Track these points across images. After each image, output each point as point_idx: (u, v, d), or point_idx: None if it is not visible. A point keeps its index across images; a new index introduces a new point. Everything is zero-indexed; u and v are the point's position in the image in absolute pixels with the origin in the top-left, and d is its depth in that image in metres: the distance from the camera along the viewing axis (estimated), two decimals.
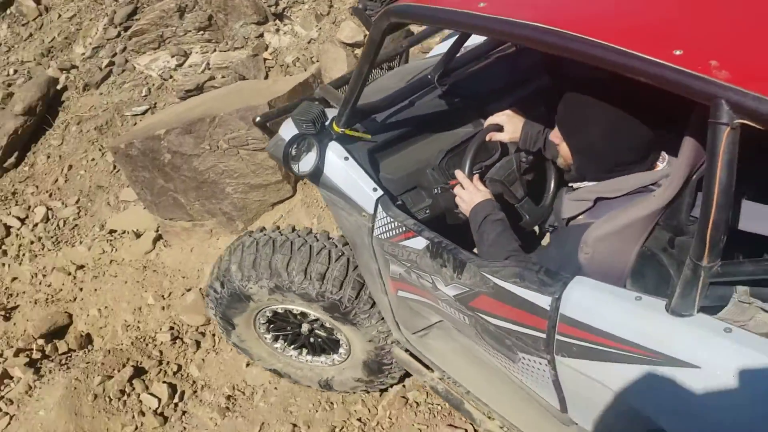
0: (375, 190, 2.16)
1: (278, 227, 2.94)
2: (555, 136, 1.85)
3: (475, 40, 2.63)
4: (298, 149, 2.21)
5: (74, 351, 3.97)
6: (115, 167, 5.03)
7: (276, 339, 3.11)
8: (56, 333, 4.09)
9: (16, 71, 6.04)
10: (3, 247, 4.81)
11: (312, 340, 3.06)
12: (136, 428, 3.35)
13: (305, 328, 2.99)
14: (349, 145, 2.26)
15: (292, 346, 3.13)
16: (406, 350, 2.74)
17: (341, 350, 2.96)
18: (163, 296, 4.10)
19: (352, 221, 2.30)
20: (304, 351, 3.13)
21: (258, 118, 2.59)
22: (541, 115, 2.19)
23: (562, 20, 1.41)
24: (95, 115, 5.43)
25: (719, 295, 1.39)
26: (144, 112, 5.28)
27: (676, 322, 1.39)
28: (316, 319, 2.87)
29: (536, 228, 2.33)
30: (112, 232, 4.68)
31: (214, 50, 5.20)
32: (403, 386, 3.22)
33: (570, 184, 1.90)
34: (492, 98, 2.50)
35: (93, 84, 5.60)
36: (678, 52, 1.22)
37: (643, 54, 1.25)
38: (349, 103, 2.12)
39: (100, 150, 5.23)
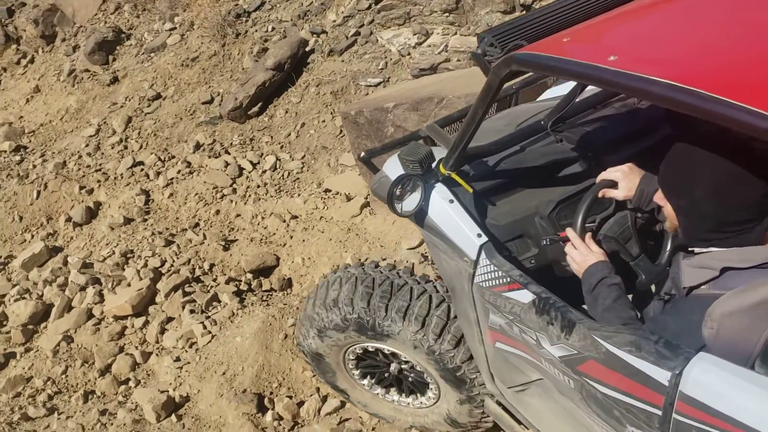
0: (479, 236, 2.08)
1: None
2: (659, 198, 1.72)
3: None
4: (402, 189, 2.19)
5: (275, 291, 4.31)
6: (341, 132, 5.33)
7: (387, 392, 3.12)
8: (263, 271, 4.47)
9: (273, 29, 6.61)
10: (234, 185, 5.33)
11: (411, 379, 3.01)
12: (314, 375, 3.56)
13: (393, 368, 2.97)
14: (455, 188, 2.19)
15: (406, 396, 3.10)
16: (500, 404, 2.61)
17: (424, 374, 2.87)
18: (360, 259, 4.28)
19: (453, 265, 2.22)
20: (420, 397, 3.06)
21: (363, 154, 2.62)
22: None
23: (708, 81, 1.25)
24: (333, 80, 5.78)
25: None
26: (377, 84, 5.51)
27: None
28: (386, 355, 2.90)
29: (652, 287, 2.09)
30: (327, 191, 4.98)
31: (455, 33, 5.27)
32: None
33: (690, 249, 1.70)
34: (608, 149, 2.32)
35: (337, 51, 5.95)
36: None
37: None
38: (458, 147, 2.06)
39: (331, 114, 5.57)
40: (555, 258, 2.20)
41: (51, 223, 5.45)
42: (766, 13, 1.47)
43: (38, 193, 5.64)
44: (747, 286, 1.46)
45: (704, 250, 1.65)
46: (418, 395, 3.05)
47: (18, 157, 6.32)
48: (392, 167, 2.37)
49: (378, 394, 3.13)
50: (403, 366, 2.95)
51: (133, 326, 4.16)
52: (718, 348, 1.45)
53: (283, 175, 5.30)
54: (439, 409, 2.98)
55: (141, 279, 4.38)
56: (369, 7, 5.99)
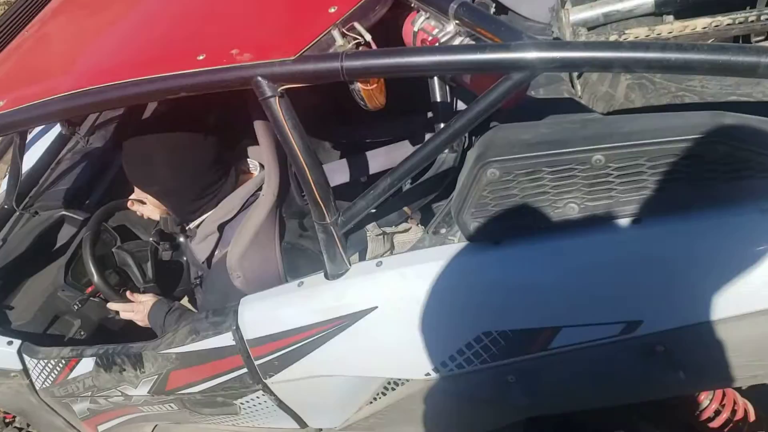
0: (10, 343, 1.93)
1: None
2: (137, 195, 1.80)
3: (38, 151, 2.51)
4: None
5: None
6: None
7: None
8: None
9: None
10: None
11: None
12: None
13: None
14: None
15: None
16: None
17: None
18: None
19: (6, 391, 2.04)
20: None
21: None
22: None
23: (84, 79, 1.43)
24: None
25: (359, 240, 1.48)
26: None
27: (338, 284, 1.42)
28: None
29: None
30: None
31: None
32: None
33: (187, 228, 1.85)
34: (88, 191, 2.42)
35: None
36: (201, 57, 1.28)
37: (174, 72, 1.30)
38: None
39: None
40: (100, 315, 2.16)
41: None
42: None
43: None
44: (240, 225, 1.64)
45: (196, 222, 1.78)
46: None
47: None
48: None
49: None
50: None
51: None
52: (254, 288, 1.58)
53: None
54: None
55: None
56: None
